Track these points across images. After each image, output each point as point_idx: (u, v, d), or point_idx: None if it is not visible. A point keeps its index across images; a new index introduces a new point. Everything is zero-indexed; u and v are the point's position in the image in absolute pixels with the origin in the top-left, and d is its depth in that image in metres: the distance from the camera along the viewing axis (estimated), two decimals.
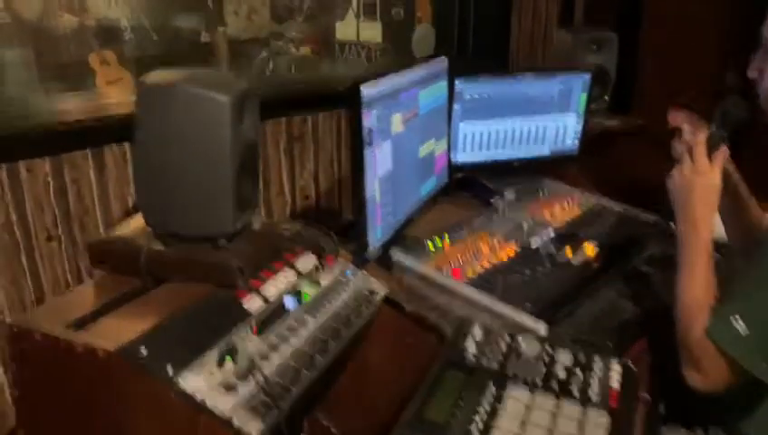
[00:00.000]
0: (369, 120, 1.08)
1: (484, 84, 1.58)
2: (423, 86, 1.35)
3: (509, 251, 1.27)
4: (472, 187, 1.69)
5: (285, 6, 5.18)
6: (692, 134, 1.07)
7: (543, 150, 1.70)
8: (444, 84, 1.50)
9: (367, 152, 1.08)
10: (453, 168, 1.60)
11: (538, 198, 1.57)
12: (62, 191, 1.51)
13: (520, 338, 0.95)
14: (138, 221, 1.07)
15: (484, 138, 1.63)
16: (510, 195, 1.66)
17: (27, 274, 1.50)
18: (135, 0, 3.04)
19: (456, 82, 1.54)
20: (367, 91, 1.07)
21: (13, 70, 2.93)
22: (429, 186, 1.47)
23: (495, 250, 1.27)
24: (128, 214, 1.63)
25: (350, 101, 1.05)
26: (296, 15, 4.81)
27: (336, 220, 2.12)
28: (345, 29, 5.25)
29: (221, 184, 0.93)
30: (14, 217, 1.45)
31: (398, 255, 1.21)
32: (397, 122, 1.22)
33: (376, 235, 1.17)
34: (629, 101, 2.35)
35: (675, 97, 2.47)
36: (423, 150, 1.40)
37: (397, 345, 1.17)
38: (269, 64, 4.11)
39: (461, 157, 1.62)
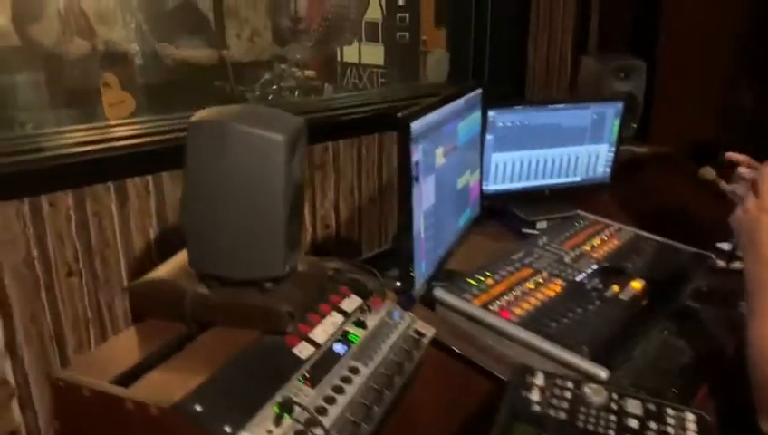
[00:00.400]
0: (415, 154, 1.04)
1: (518, 114, 1.55)
2: (461, 117, 1.32)
3: (555, 287, 1.23)
4: (502, 216, 1.66)
5: (289, 29, 5.17)
6: (752, 171, 1.04)
7: (575, 178, 1.67)
8: (478, 115, 1.47)
9: (414, 188, 1.04)
10: (483, 196, 1.56)
11: (574, 228, 1.53)
12: (84, 225, 1.46)
13: (585, 387, 0.91)
14: (174, 262, 1.02)
15: (515, 167, 1.60)
16: (542, 224, 1.62)
17: (47, 309, 1.45)
18: (144, 24, 3.03)
19: (490, 112, 1.51)
20: (415, 125, 1.03)
21: (24, 94, 2.90)
22: (465, 217, 1.43)
23: (541, 286, 1.23)
24: (149, 248, 1.59)
25: (398, 136, 1.01)
26: (303, 39, 4.81)
27: (356, 250, 2.08)
28: (347, 51, 5.26)
29: (272, 225, 0.88)
30: (35, 252, 1.40)
31: (441, 293, 1.16)
32: (439, 156, 1.18)
33: (420, 272, 1.13)
34: (649, 126, 2.33)
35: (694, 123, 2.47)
36: (460, 182, 1.36)
37: (444, 388, 1.12)
38: (272, 87, 4.09)
39: (492, 186, 1.59)
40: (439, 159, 1.18)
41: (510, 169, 1.59)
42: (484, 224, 1.60)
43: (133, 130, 1.67)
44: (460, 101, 1.30)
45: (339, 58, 5.29)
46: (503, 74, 2.54)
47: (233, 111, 0.88)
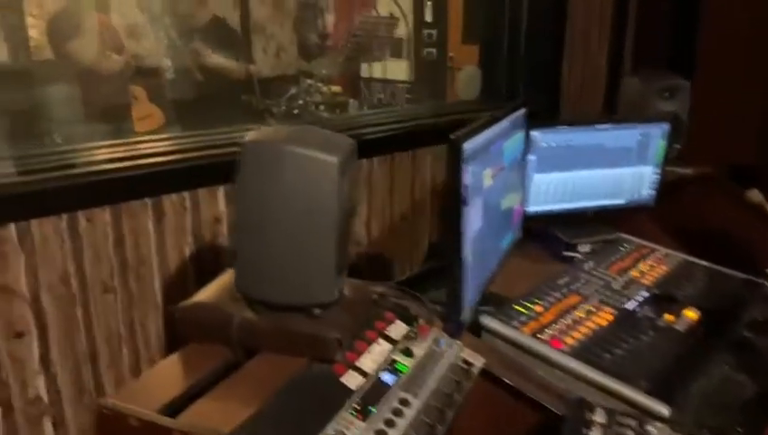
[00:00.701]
0: (466, 176, 1.01)
1: (561, 134, 1.51)
2: (506, 138, 1.28)
3: (606, 315, 1.18)
4: (542, 237, 1.61)
5: (316, 45, 5.19)
6: None
7: (618, 200, 1.62)
8: (522, 135, 1.43)
9: (463, 211, 1.01)
10: (524, 218, 1.52)
11: (618, 252, 1.48)
12: (120, 241, 1.45)
13: (649, 425, 0.86)
14: (219, 284, 1.00)
15: (558, 188, 1.55)
16: (584, 247, 1.57)
17: (81, 326, 1.43)
18: (175, 39, 3.06)
19: (533, 132, 1.47)
20: (467, 145, 0.99)
21: (57, 107, 2.94)
22: (508, 240, 1.39)
23: (591, 314, 1.18)
24: (184, 265, 1.57)
25: (447, 158, 0.97)
26: (330, 55, 4.83)
27: (388, 270, 2.05)
28: (370, 66, 5.27)
29: (324, 249, 0.85)
30: (71, 269, 1.39)
31: (489, 320, 1.12)
32: (487, 177, 1.14)
33: (468, 299, 1.09)
34: (689, 146, 2.27)
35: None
36: (505, 204, 1.32)
37: (491, 419, 1.08)
38: (297, 101, 4.11)
39: (533, 207, 1.54)
40: (487, 181, 1.15)
41: (552, 190, 1.55)
42: (524, 246, 1.55)
43: (169, 145, 1.66)
44: (505, 121, 1.26)
45: (362, 73, 5.31)
46: (536, 92, 2.50)
47: (285, 131, 0.85)
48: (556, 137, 1.51)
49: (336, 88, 5.07)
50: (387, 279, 2.06)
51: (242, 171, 0.84)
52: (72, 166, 1.45)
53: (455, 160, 0.96)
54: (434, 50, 4.56)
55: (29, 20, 4.42)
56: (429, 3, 4.46)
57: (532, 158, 1.49)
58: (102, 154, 1.57)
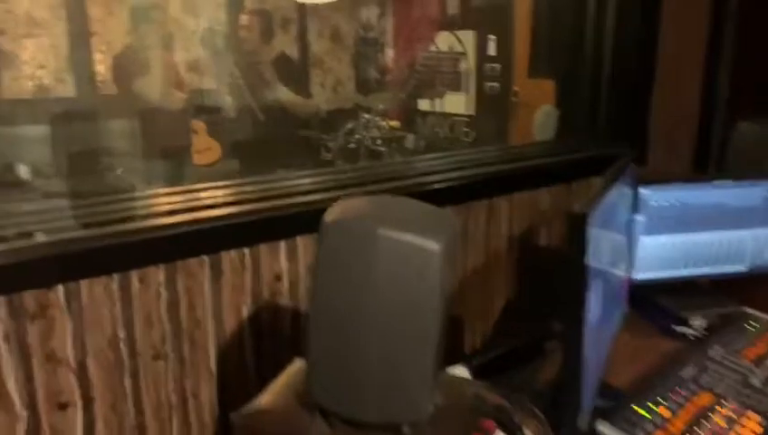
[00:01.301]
0: (589, 256, 0.82)
1: (674, 191, 1.31)
2: (620, 198, 1.09)
3: (751, 425, 0.95)
4: (648, 309, 1.39)
5: (375, 80, 5.11)
6: None
7: (739, 267, 1.39)
8: (628, 191, 1.23)
9: (587, 297, 0.82)
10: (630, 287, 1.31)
11: (745, 332, 1.25)
12: (174, 303, 1.32)
13: None
14: (286, 383, 0.83)
15: (668, 253, 1.34)
16: (697, 321, 1.34)
17: (129, 396, 1.30)
18: (239, 76, 3.01)
19: (641, 189, 1.27)
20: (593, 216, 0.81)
21: (117, 141, 2.91)
22: (618, 317, 1.18)
23: (733, 424, 0.96)
24: (241, 328, 1.43)
25: (569, 236, 0.79)
26: (391, 90, 4.73)
27: (458, 337, 1.85)
28: (433, 100, 5.13)
29: (420, 355, 0.68)
30: (121, 334, 1.26)
31: (609, 430, 0.92)
32: (605, 249, 0.95)
33: (585, 401, 0.89)
34: None
35: None
36: (615, 274, 1.12)
37: None
38: (354, 136, 4.01)
39: (638, 274, 1.33)
40: (604, 254, 0.96)
41: (661, 254, 1.33)
42: (627, 317, 1.34)
43: (229, 195, 1.54)
44: (618, 175, 1.07)
45: (420, 106, 5.20)
46: (618, 133, 2.28)
47: (372, 206, 0.69)
48: (668, 195, 1.31)
49: (394, 123, 4.97)
50: (457, 344, 1.86)
51: (321, 255, 0.68)
52: (128, 219, 1.34)
53: (580, 241, 0.77)
54: (497, 84, 4.40)
55: (96, 56, 4.53)
56: (493, 36, 4.31)
57: (640, 218, 1.29)
58: (160, 204, 1.46)
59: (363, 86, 5.62)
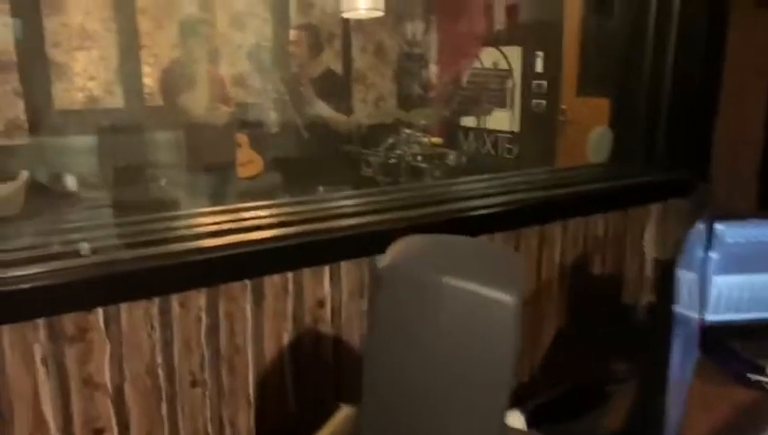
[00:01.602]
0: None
1: (754, 228, 1.19)
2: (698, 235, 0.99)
3: None
4: (720, 354, 1.28)
5: (419, 96, 5.05)
6: None
7: None
8: (701, 226, 1.13)
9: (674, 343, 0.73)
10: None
11: None
12: (214, 328, 1.27)
13: None
14: (338, 423, 0.77)
15: (744, 294, 1.22)
16: None
17: (165, 424, 1.26)
18: (285, 91, 2.99)
19: (717, 224, 1.16)
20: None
21: (162, 152, 2.93)
22: (692, 363, 1.08)
23: None
24: (281, 355, 1.37)
25: (658, 283, 0.71)
26: (435, 106, 4.67)
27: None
28: (479, 118, 5.04)
29: (486, 413, 0.61)
30: (159, 359, 1.22)
31: None
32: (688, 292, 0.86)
33: None
34: None
35: None
36: (690, 316, 1.02)
37: None
38: (395, 151, 3.95)
39: (711, 316, 1.22)
40: (682, 295, 0.86)
41: (737, 295, 1.22)
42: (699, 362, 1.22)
43: (274, 216, 1.50)
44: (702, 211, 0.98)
45: (462, 122, 5.12)
46: (678, 158, 2.16)
47: (435, 250, 0.63)
48: (745, 231, 1.20)
49: (436, 139, 4.90)
50: None
51: (379, 302, 0.61)
52: (171, 240, 1.30)
53: (669, 285, 0.68)
54: (543, 101, 4.29)
55: (145, 68, 4.60)
56: (540, 52, 4.21)
57: (714, 256, 1.18)
58: (203, 225, 1.43)
59: (405, 101, 5.59)
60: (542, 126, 4.36)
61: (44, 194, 2.88)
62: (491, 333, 0.58)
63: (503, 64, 4.59)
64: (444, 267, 0.59)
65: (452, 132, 5.34)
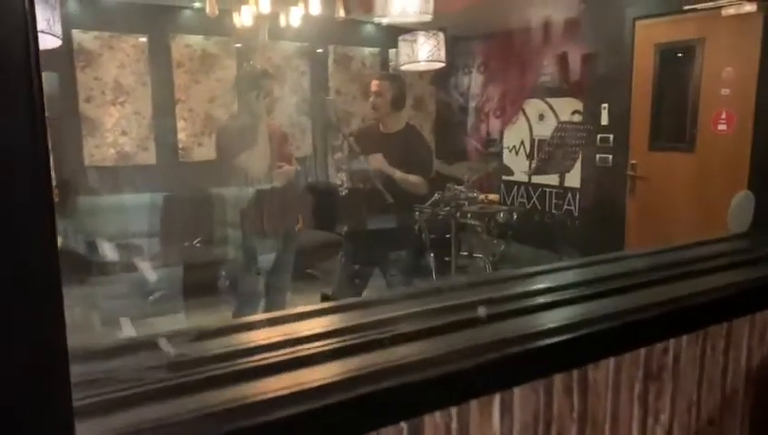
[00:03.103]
0: None
1: None
2: None
3: None
4: None
5: (477, 151, 4.72)
6: None
7: None
8: None
9: None
10: None
11: None
12: None
13: None
14: None
15: None
16: None
17: None
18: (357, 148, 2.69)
19: None
20: None
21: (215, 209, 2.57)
22: None
23: None
24: None
25: None
26: (482, 159, 4.35)
27: None
28: (519, 168, 4.74)
29: None
30: None
31: None
32: None
33: None
34: None
35: None
36: None
37: None
38: (444, 207, 3.63)
39: None
40: None
41: None
42: None
43: (414, 326, 1.12)
44: None
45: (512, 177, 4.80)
46: None
47: None
48: None
49: (493, 196, 4.57)
50: None
51: None
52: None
53: None
54: (609, 156, 3.93)
55: (180, 123, 4.34)
56: (606, 104, 3.89)
57: None
58: (326, 345, 1.05)
59: (448, 155, 5.31)
60: (607, 181, 4.01)
61: (80, 265, 2.54)
62: None
63: (561, 117, 4.30)
64: None
65: (495, 185, 5.02)
